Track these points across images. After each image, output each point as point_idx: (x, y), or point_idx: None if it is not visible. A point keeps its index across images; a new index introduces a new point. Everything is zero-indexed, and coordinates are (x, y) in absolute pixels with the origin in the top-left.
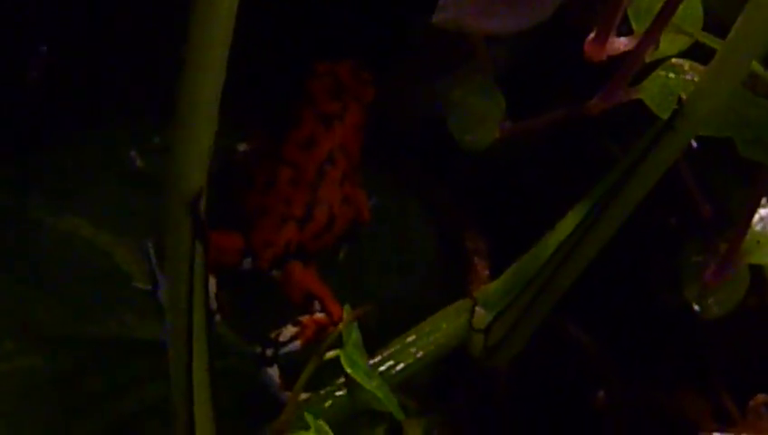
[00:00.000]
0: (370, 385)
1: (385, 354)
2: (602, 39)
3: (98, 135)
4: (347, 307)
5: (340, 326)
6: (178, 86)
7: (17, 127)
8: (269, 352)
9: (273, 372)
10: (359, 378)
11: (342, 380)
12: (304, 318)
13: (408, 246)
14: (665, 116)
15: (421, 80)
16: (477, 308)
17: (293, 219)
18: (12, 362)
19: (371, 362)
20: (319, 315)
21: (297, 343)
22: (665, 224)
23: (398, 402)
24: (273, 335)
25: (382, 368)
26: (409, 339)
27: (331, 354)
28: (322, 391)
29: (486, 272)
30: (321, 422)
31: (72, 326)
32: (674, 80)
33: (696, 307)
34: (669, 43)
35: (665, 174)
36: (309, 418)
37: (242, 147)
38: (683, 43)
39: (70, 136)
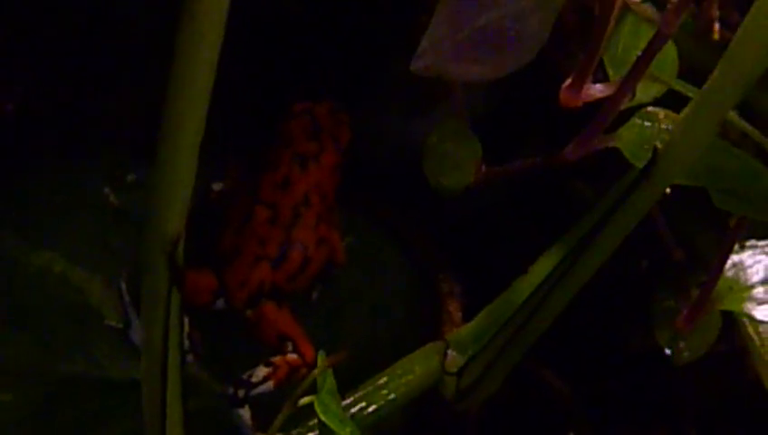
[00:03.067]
0: (344, 432)
1: (357, 396)
2: (578, 86)
3: (70, 170)
4: (321, 354)
5: (315, 373)
6: (160, 133)
7: None
8: (241, 392)
9: (245, 412)
10: (333, 425)
11: (315, 421)
12: (277, 359)
13: (382, 287)
14: (640, 165)
15: (396, 121)
16: (450, 351)
17: (267, 259)
18: None
19: (343, 403)
20: (291, 356)
21: (269, 384)
22: (637, 268)
23: None
24: (245, 376)
25: (354, 409)
26: (381, 381)
27: (305, 400)
28: (294, 432)
29: (459, 314)
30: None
31: (43, 362)
32: (649, 128)
33: (668, 352)
34: (645, 91)
35: None
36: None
37: (218, 186)
38: (658, 90)
39: (42, 171)
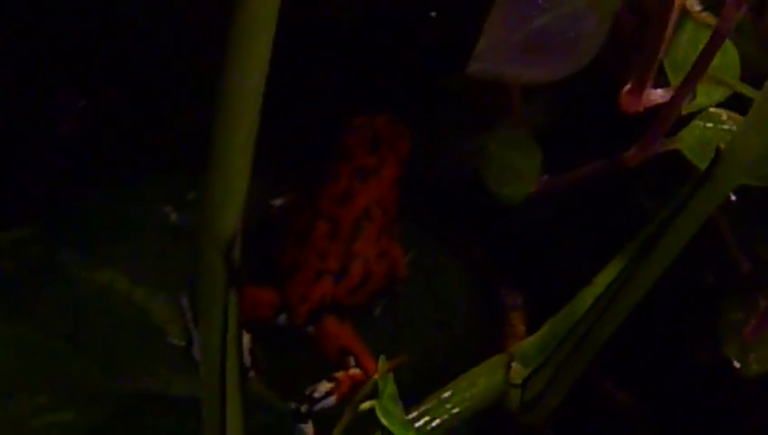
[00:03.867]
0: None
1: (421, 410)
2: (638, 90)
3: (132, 190)
4: (382, 358)
5: (376, 377)
6: (212, 131)
7: (48, 182)
8: (303, 408)
9: (308, 428)
10: (395, 430)
11: (378, 433)
12: (339, 374)
13: (444, 301)
14: (703, 166)
15: (457, 136)
16: (514, 363)
17: (329, 274)
18: (44, 416)
19: (407, 417)
20: (354, 371)
21: (332, 399)
22: (703, 281)
23: None
24: (307, 391)
25: (418, 423)
26: (445, 395)
27: (366, 405)
28: None
29: (523, 327)
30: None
31: (105, 381)
32: (711, 130)
33: (737, 364)
34: (707, 94)
35: (703, 229)
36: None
37: (278, 202)
38: (720, 93)
39: (104, 191)
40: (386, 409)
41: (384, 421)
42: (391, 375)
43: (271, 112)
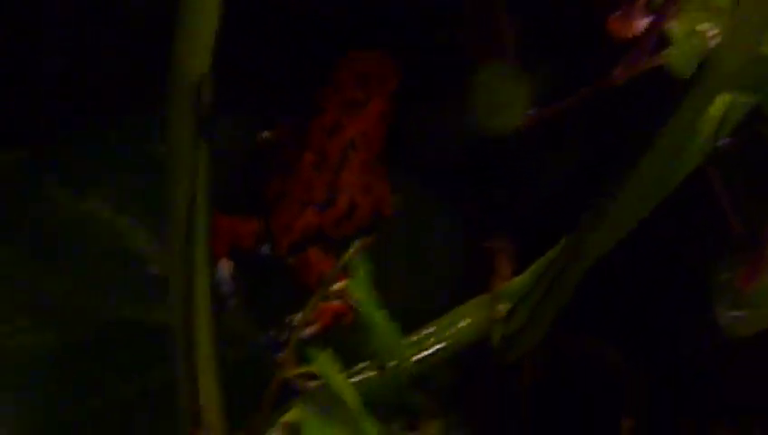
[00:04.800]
0: (377, 314)
1: (405, 343)
2: (629, 16)
3: (127, 126)
4: (355, 243)
5: (349, 254)
6: None
7: (34, 113)
8: (282, 337)
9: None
10: (364, 305)
11: (364, 365)
12: (322, 304)
13: (431, 245)
14: (688, 75)
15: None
16: (498, 302)
17: (313, 204)
18: (23, 337)
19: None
20: (336, 302)
21: (314, 329)
22: (693, 240)
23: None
24: (286, 320)
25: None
26: (428, 330)
27: (337, 286)
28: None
29: (509, 270)
30: (327, 353)
31: (84, 306)
32: (697, 43)
33: (724, 323)
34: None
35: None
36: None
37: (266, 134)
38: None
39: (99, 126)
40: (359, 288)
41: (357, 295)
42: (365, 255)
43: (262, 45)
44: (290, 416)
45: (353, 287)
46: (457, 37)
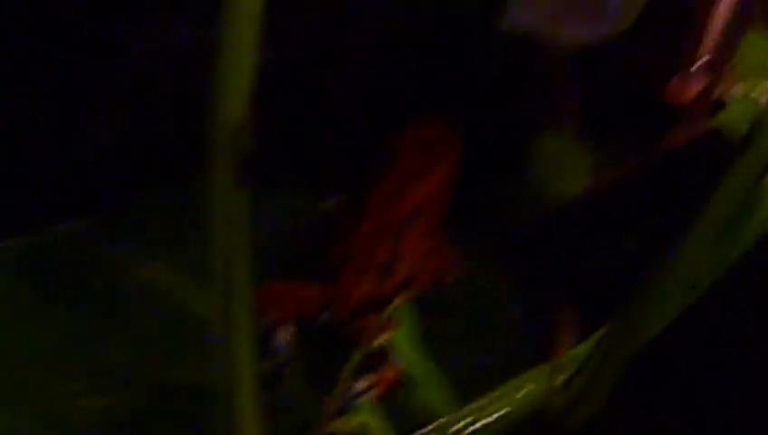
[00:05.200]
0: (421, 369)
1: (464, 411)
2: (686, 81)
3: (179, 192)
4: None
5: (390, 308)
6: (221, 11)
7: (106, 177)
8: (338, 405)
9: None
10: (408, 361)
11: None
12: (381, 369)
13: (495, 316)
14: (739, 137)
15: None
16: (557, 372)
17: (373, 271)
18: (85, 399)
19: (451, 416)
20: (392, 370)
21: (373, 394)
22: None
23: None
24: (349, 385)
25: (459, 425)
26: (487, 399)
27: (382, 339)
28: None
29: (571, 341)
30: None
31: (141, 370)
32: (750, 106)
33: None
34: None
35: None
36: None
37: (330, 203)
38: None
39: (150, 193)
40: (401, 344)
41: (399, 354)
42: (410, 310)
43: (326, 114)
44: None
45: (397, 340)
46: (518, 107)
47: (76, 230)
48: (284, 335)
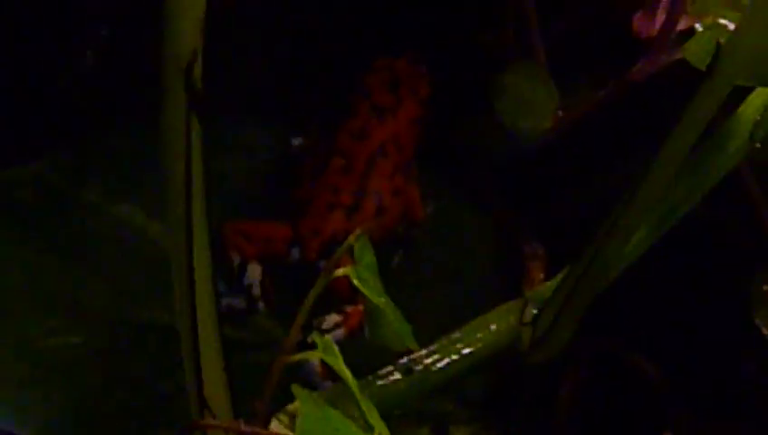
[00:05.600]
0: (380, 301)
1: (429, 349)
2: (651, 15)
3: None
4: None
5: (351, 240)
6: None
7: (73, 114)
8: (310, 340)
9: (315, 361)
10: (367, 292)
11: (390, 368)
12: (349, 308)
13: (464, 252)
14: (704, 67)
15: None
16: (527, 308)
17: (341, 208)
18: (56, 338)
19: (415, 355)
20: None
21: (341, 332)
22: (733, 249)
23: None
24: (315, 323)
25: (426, 361)
26: (456, 335)
27: (340, 272)
28: (371, 376)
29: (541, 276)
30: (328, 339)
31: (116, 309)
32: (715, 35)
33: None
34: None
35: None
36: (316, 337)
37: (296, 141)
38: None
39: (124, 128)
40: (361, 276)
41: (358, 286)
42: (369, 245)
43: (293, 54)
44: (296, 404)
45: (357, 273)
46: (486, 43)
47: (42, 169)
48: (254, 272)
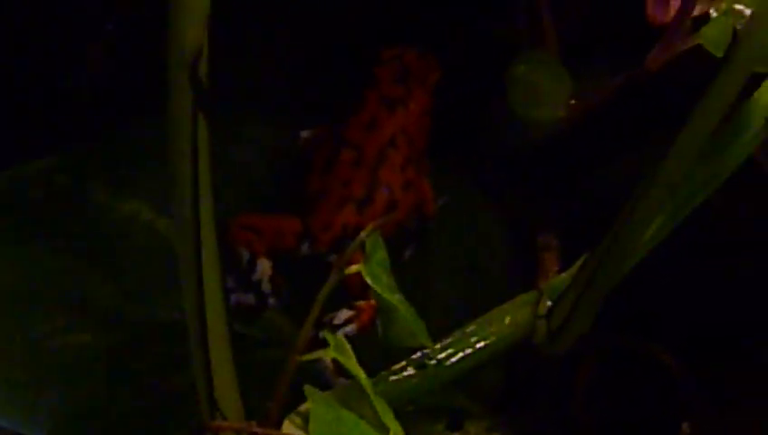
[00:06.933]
0: (392, 298)
1: (444, 343)
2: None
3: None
4: (370, 226)
5: (362, 236)
6: None
7: (81, 112)
8: (321, 335)
9: (326, 357)
10: (379, 289)
11: (403, 363)
12: (361, 302)
13: (478, 244)
14: (721, 54)
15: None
16: (542, 299)
17: (352, 201)
18: (63, 337)
19: (429, 349)
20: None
21: (352, 327)
22: (755, 244)
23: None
24: (326, 319)
25: (440, 356)
26: (470, 329)
27: (353, 269)
28: (385, 372)
29: (555, 267)
30: (340, 338)
31: (124, 307)
32: (731, 21)
33: None
34: None
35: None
36: (328, 335)
37: (306, 133)
38: None
39: (132, 124)
40: (373, 272)
41: (370, 283)
42: (380, 241)
43: (302, 45)
44: (309, 404)
45: (368, 270)
46: (498, 32)
47: (50, 166)
48: (264, 267)
